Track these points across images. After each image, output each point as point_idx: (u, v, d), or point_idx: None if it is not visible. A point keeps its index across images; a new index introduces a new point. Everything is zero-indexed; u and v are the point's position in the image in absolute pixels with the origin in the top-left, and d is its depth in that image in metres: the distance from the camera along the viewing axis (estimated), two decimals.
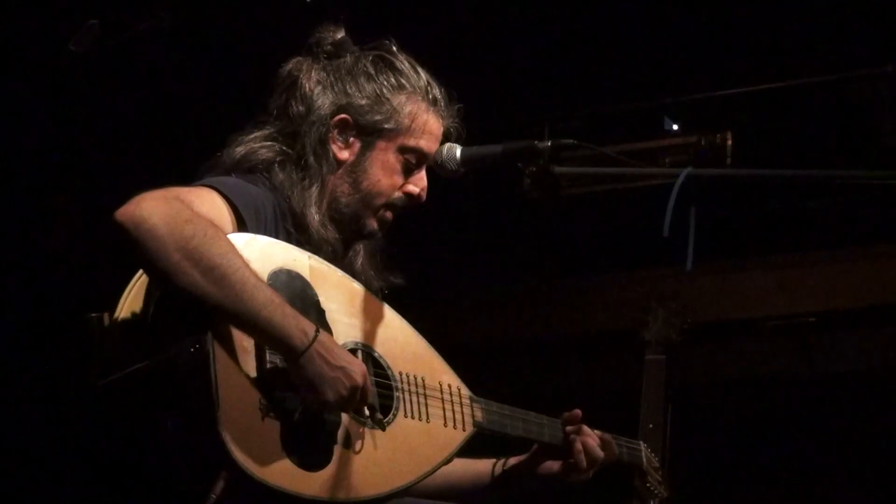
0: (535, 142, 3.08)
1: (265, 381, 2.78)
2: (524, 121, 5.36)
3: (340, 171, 3.09)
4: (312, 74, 3.11)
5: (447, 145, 3.15)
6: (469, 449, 3.17)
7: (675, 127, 5.52)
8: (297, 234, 3.02)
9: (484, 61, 5.28)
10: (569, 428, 3.31)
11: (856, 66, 5.26)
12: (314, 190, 3.05)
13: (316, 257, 2.98)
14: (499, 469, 3.34)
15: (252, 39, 4.63)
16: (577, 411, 3.33)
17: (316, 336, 2.78)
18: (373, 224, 3.12)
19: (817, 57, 5.28)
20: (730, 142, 5.39)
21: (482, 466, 3.33)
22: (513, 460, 3.35)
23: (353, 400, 2.83)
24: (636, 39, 5.37)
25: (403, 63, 3.14)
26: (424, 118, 3.12)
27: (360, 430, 2.90)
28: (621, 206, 5.53)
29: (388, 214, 3.13)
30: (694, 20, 5.28)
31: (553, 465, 3.33)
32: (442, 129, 3.16)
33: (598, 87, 5.49)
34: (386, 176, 3.11)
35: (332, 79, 3.10)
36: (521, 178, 3.03)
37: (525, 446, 3.34)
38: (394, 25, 3.22)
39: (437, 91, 3.15)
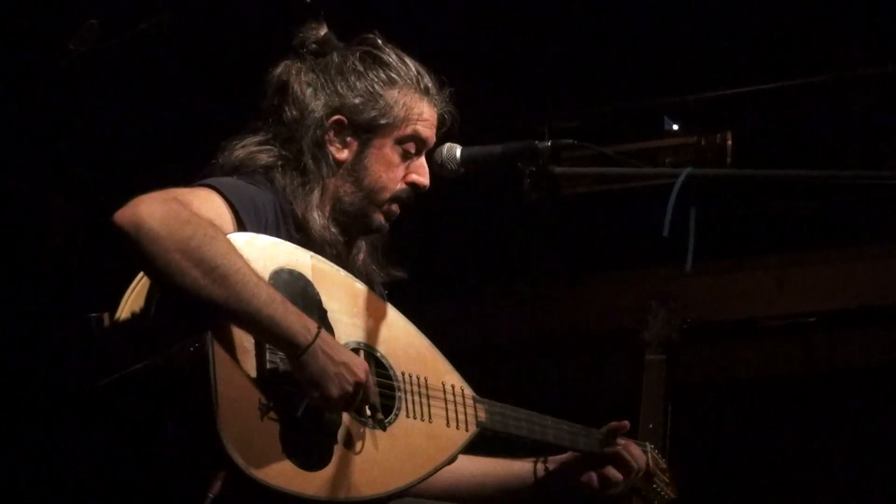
0: (535, 142, 3.08)
1: (265, 381, 2.78)
2: (524, 121, 5.36)
3: (341, 171, 3.09)
4: (302, 77, 3.10)
5: (447, 145, 3.15)
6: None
7: (675, 127, 5.52)
8: (299, 236, 3.01)
9: (484, 61, 5.27)
10: (616, 441, 3.33)
11: (856, 66, 5.25)
12: (316, 194, 3.05)
13: (318, 257, 2.98)
14: (541, 470, 3.33)
15: (252, 40, 4.63)
16: (626, 423, 3.36)
17: (318, 333, 2.78)
18: (379, 218, 3.12)
19: (817, 57, 5.27)
20: (730, 142, 5.38)
21: (518, 467, 3.33)
22: (552, 461, 3.34)
23: (357, 396, 2.83)
24: (636, 39, 5.36)
25: (391, 56, 3.14)
26: (419, 108, 3.12)
27: (361, 430, 2.90)
28: (621, 206, 5.53)
29: (395, 208, 3.14)
30: (694, 20, 5.27)
31: (592, 477, 3.33)
32: (437, 116, 3.16)
33: (598, 86, 5.48)
34: (387, 170, 3.10)
35: (323, 80, 3.10)
36: (521, 178, 3.01)
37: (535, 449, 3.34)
38: (393, 25, 3.22)
39: (427, 79, 3.15)
